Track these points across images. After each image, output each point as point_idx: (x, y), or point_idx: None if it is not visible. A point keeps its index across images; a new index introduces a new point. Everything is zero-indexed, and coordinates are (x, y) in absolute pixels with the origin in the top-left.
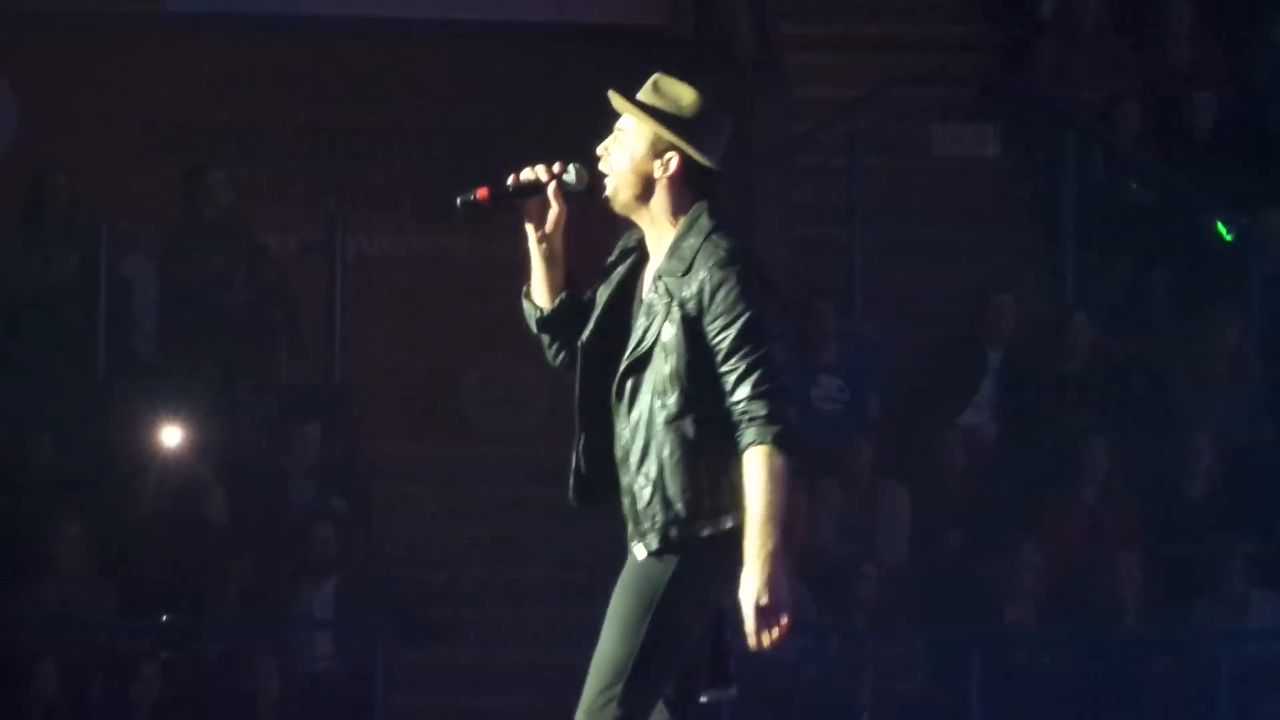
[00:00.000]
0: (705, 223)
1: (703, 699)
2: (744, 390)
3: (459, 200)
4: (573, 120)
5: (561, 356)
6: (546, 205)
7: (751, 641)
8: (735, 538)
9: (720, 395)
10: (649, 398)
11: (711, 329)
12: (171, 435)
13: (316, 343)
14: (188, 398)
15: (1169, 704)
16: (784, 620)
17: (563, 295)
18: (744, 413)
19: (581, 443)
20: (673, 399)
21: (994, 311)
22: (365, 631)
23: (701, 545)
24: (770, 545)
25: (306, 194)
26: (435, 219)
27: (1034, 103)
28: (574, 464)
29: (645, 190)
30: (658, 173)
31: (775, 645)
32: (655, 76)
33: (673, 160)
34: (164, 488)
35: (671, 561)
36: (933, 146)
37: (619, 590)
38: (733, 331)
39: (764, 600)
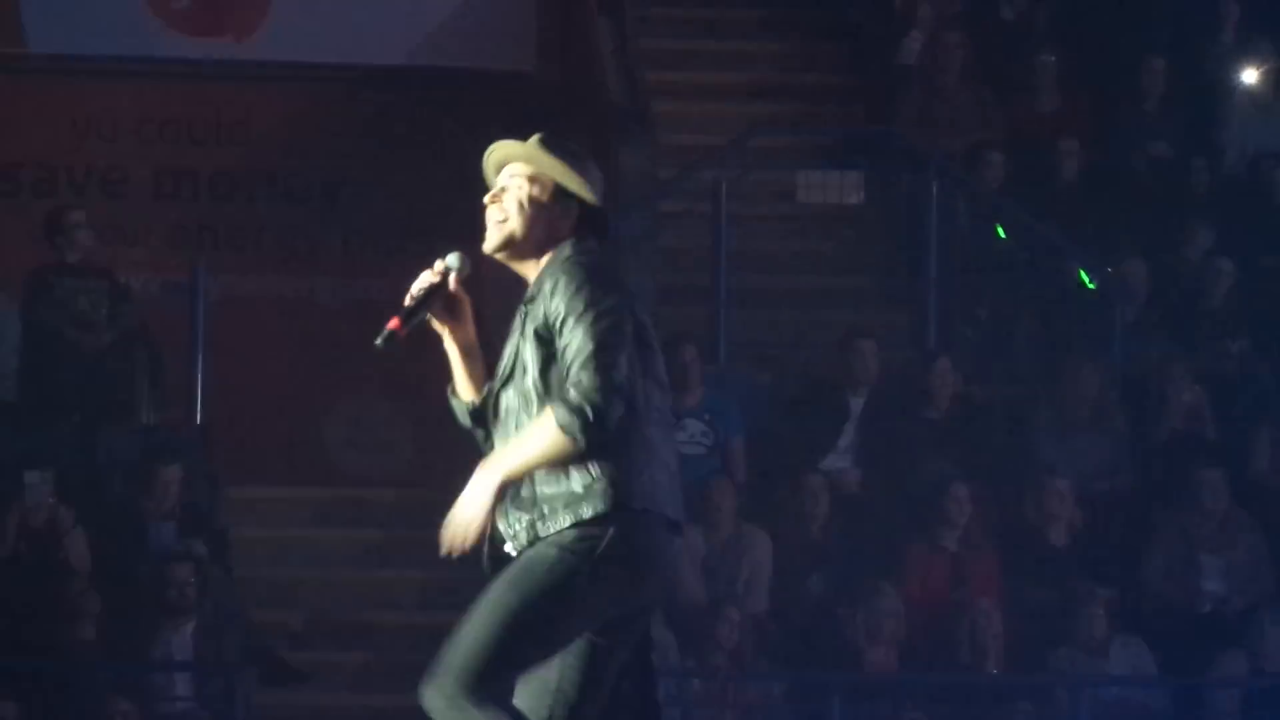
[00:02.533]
0: (567, 250)
1: None
2: (574, 372)
3: (377, 343)
4: (439, 163)
5: (491, 444)
6: (451, 301)
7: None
8: (600, 522)
9: None
10: (516, 415)
11: (556, 322)
12: (33, 477)
13: (178, 384)
14: (49, 439)
15: None
16: (469, 534)
17: (488, 385)
18: (569, 390)
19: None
20: (534, 411)
21: (857, 356)
22: (224, 673)
23: (569, 535)
24: (501, 471)
25: (168, 235)
26: (297, 260)
27: (898, 150)
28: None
29: (549, 239)
30: (560, 221)
31: (452, 551)
32: (537, 135)
33: (573, 209)
34: (24, 529)
35: (545, 552)
36: (797, 194)
37: (494, 586)
38: (574, 318)
39: (462, 509)
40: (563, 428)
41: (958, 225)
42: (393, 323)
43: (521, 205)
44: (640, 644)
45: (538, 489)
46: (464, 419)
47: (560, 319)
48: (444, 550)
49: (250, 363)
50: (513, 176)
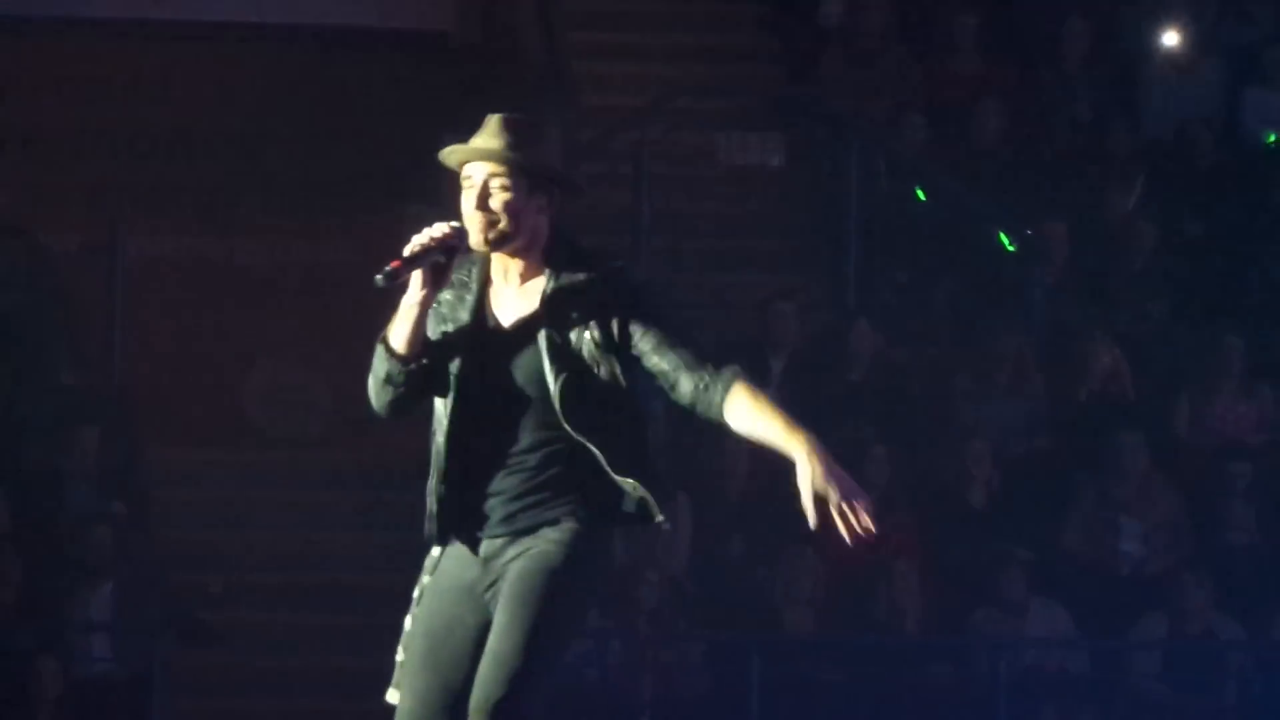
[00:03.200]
0: (581, 249)
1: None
2: (703, 356)
3: (377, 279)
4: (357, 124)
5: (396, 408)
6: (442, 268)
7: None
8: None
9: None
10: (531, 431)
11: (638, 327)
12: None
13: (96, 345)
14: None
15: (947, 711)
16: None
17: (424, 357)
18: (717, 370)
19: (444, 482)
20: (555, 427)
21: (777, 319)
22: (142, 634)
23: (575, 534)
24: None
25: (87, 196)
26: (216, 221)
27: (818, 112)
28: (437, 497)
29: (540, 230)
30: (540, 211)
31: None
32: (501, 118)
33: (555, 194)
34: None
35: (554, 557)
36: (718, 155)
37: (508, 600)
38: (666, 318)
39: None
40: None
41: (878, 187)
42: (395, 262)
43: (510, 206)
44: None
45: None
46: (393, 372)
47: (643, 313)
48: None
49: (170, 324)
50: (492, 176)
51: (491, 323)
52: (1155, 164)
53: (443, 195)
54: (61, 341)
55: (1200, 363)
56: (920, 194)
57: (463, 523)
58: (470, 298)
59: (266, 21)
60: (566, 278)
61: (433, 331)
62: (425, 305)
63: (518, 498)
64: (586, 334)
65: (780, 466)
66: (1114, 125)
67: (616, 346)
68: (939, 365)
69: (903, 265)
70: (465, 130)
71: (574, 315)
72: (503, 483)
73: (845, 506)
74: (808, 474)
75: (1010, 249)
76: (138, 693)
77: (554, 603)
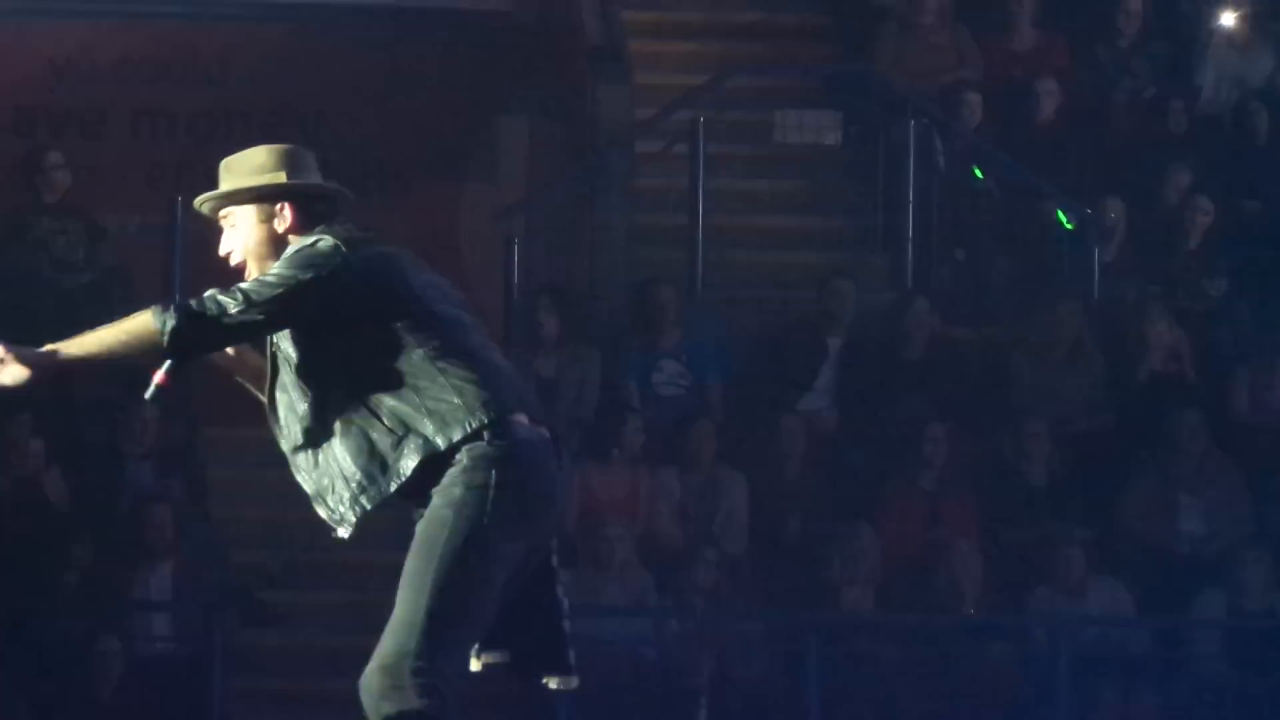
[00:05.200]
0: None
1: (549, 685)
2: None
3: (146, 395)
4: (415, 102)
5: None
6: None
7: None
8: (515, 478)
9: (335, 372)
10: (289, 405)
11: None
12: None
13: None
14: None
15: (1007, 690)
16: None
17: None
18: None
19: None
20: (307, 393)
21: (834, 297)
22: (202, 613)
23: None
24: (71, 357)
25: (146, 176)
26: None
27: (875, 90)
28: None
29: (278, 249)
30: (280, 228)
31: None
32: (223, 162)
33: (285, 210)
34: (3, 469)
35: (435, 510)
36: (774, 133)
37: (409, 556)
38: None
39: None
40: (155, 327)
41: (935, 166)
42: (160, 378)
43: (249, 246)
44: (545, 576)
45: (341, 465)
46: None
47: None
48: None
49: None
50: (223, 221)
51: None
52: (1213, 141)
53: (499, 173)
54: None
55: (1259, 340)
56: (977, 172)
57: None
58: None
59: (325, 1)
60: None
61: None
62: (244, 375)
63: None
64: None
65: (839, 448)
66: (1171, 102)
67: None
68: (997, 344)
69: (960, 243)
70: (523, 109)
71: None
72: (302, 474)
73: None
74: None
75: (1068, 227)
76: (197, 671)
77: (440, 556)
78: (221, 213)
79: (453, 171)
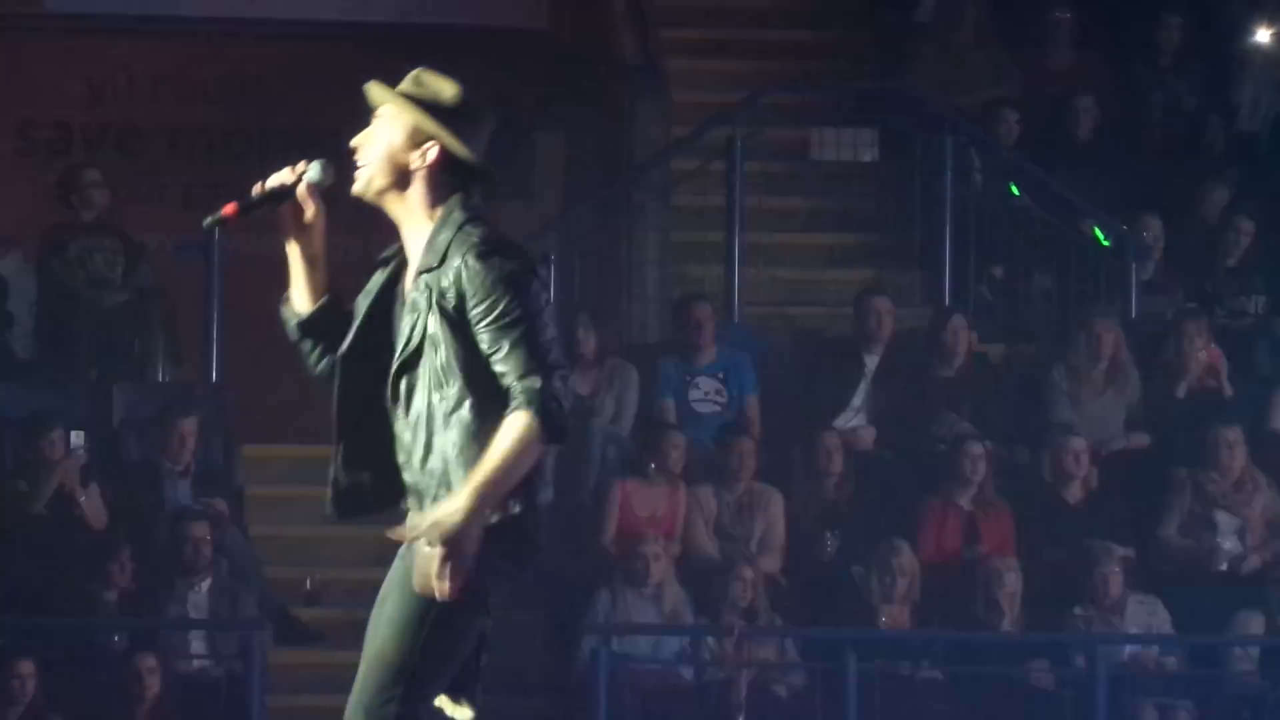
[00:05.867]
0: (458, 215)
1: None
2: (512, 371)
3: (206, 222)
4: None
5: (322, 364)
6: (299, 208)
7: (419, 581)
8: (511, 526)
9: (494, 380)
10: (425, 393)
11: (474, 316)
12: (77, 438)
13: (193, 342)
14: (65, 397)
15: (1045, 708)
16: (459, 577)
17: (324, 299)
18: (513, 391)
19: (340, 455)
20: (450, 391)
21: (872, 314)
22: (239, 631)
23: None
24: (485, 498)
25: (183, 194)
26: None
27: (912, 107)
28: (331, 476)
29: (401, 181)
30: (415, 163)
31: (444, 594)
32: (417, 70)
33: (431, 150)
34: (42, 487)
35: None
36: (811, 151)
37: (396, 586)
38: (493, 315)
39: (454, 543)
40: (527, 431)
41: (973, 182)
42: (228, 208)
43: (379, 151)
44: None
45: (451, 473)
46: (293, 331)
47: (480, 303)
48: (430, 589)
49: (265, 321)
50: (378, 119)
51: (385, 303)
52: (1251, 158)
53: (536, 190)
54: (159, 339)
55: None
56: (1014, 189)
57: (365, 500)
58: (380, 276)
59: (361, 19)
60: (429, 255)
61: (359, 306)
62: (299, 254)
63: (416, 469)
64: (432, 314)
65: (876, 466)
66: (1209, 119)
67: (456, 329)
68: (1035, 361)
69: (998, 260)
70: (560, 126)
71: (429, 292)
72: (406, 471)
73: (445, 570)
74: (446, 513)
75: (1106, 244)
76: (235, 690)
77: (406, 613)
78: (380, 108)
79: (489, 188)
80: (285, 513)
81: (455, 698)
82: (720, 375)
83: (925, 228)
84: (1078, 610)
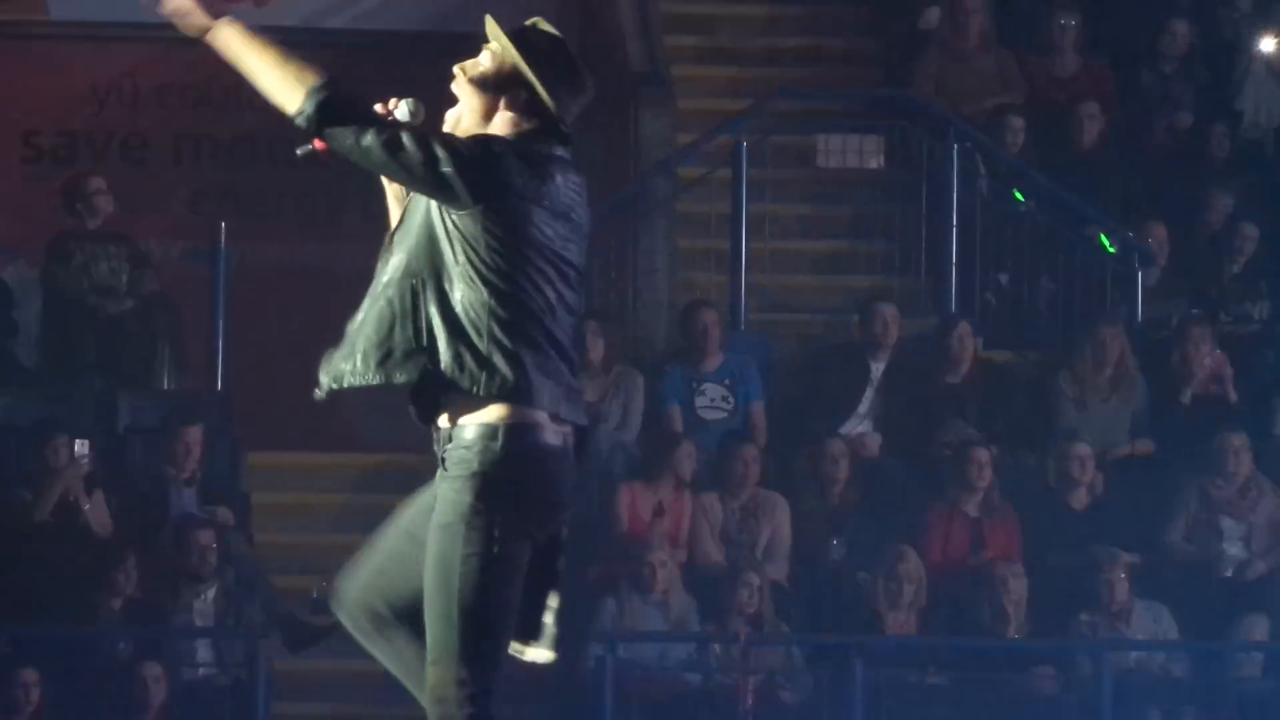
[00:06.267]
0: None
1: (521, 655)
2: None
3: (298, 151)
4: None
5: None
6: None
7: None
8: (505, 481)
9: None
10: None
11: None
12: (82, 447)
13: (198, 350)
14: (71, 405)
15: (1051, 714)
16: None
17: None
18: None
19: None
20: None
21: (878, 321)
22: (246, 638)
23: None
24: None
25: (189, 202)
26: (319, 227)
27: (918, 114)
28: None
29: (487, 116)
30: (502, 104)
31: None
32: (536, 19)
33: (520, 96)
34: (47, 494)
35: (450, 521)
36: (816, 158)
37: (429, 546)
38: None
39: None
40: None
41: (978, 189)
42: (319, 143)
43: (473, 84)
44: (547, 549)
45: (368, 331)
46: None
47: None
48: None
49: (271, 328)
50: (485, 50)
51: None
52: (1255, 165)
53: None
54: (165, 347)
55: None
56: (1019, 196)
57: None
58: None
59: (365, 27)
60: None
61: None
62: (391, 186)
63: (441, 385)
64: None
65: (882, 472)
66: (1214, 127)
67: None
68: (1040, 367)
69: (1003, 267)
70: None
71: None
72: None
73: None
74: None
75: (1111, 250)
76: (241, 697)
77: (457, 583)
78: (490, 43)
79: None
80: (291, 520)
81: (526, 641)
82: (726, 382)
83: (931, 235)
84: (1083, 616)
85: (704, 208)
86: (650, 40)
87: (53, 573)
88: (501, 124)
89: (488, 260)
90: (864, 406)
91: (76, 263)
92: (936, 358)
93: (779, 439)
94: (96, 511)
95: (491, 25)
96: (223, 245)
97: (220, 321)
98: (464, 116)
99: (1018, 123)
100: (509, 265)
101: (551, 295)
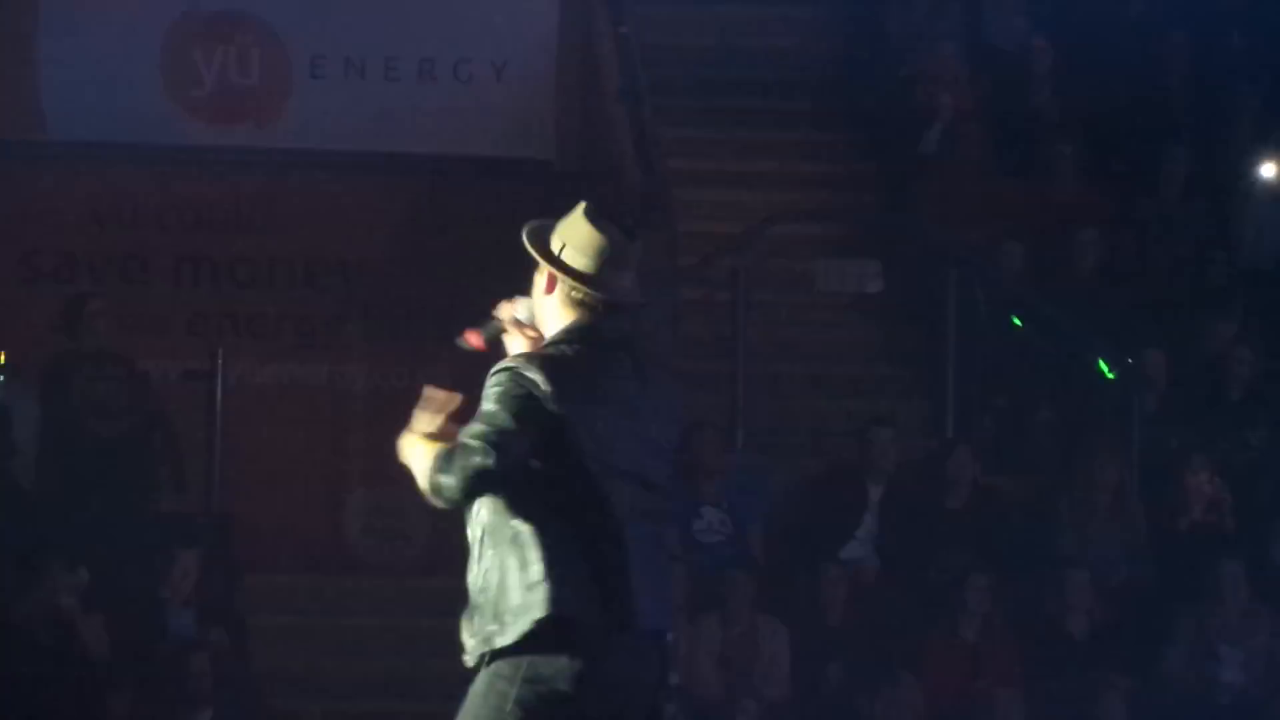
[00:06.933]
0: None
1: None
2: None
3: (457, 341)
4: (458, 249)
5: None
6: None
7: None
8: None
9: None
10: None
11: None
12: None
13: (196, 472)
14: (67, 527)
15: None
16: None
17: None
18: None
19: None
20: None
21: (876, 445)
22: None
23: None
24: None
25: (188, 323)
26: (317, 347)
27: (916, 239)
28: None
29: (543, 314)
30: (539, 295)
31: None
32: (581, 205)
33: (546, 279)
34: (42, 616)
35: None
36: (816, 281)
37: None
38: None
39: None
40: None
41: (977, 314)
42: (474, 340)
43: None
44: None
45: (498, 595)
46: None
47: None
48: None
49: (269, 450)
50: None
51: None
52: (1254, 292)
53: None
54: (162, 468)
55: None
56: (1016, 321)
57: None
58: None
59: (367, 149)
60: None
61: None
62: None
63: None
64: None
65: (880, 597)
66: (1212, 253)
67: None
68: (1039, 493)
69: (1002, 392)
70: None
71: None
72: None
73: None
74: None
75: (1110, 376)
76: None
77: None
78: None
79: (495, 319)
80: (289, 643)
81: None
82: (724, 505)
83: (929, 358)
84: None
85: (703, 331)
86: (649, 163)
87: (47, 695)
88: (546, 314)
89: None
90: (863, 531)
91: (74, 385)
92: (935, 483)
93: (777, 563)
94: (92, 633)
95: (525, 242)
96: (221, 366)
97: (219, 442)
98: (535, 315)
99: (1016, 248)
100: None
101: None
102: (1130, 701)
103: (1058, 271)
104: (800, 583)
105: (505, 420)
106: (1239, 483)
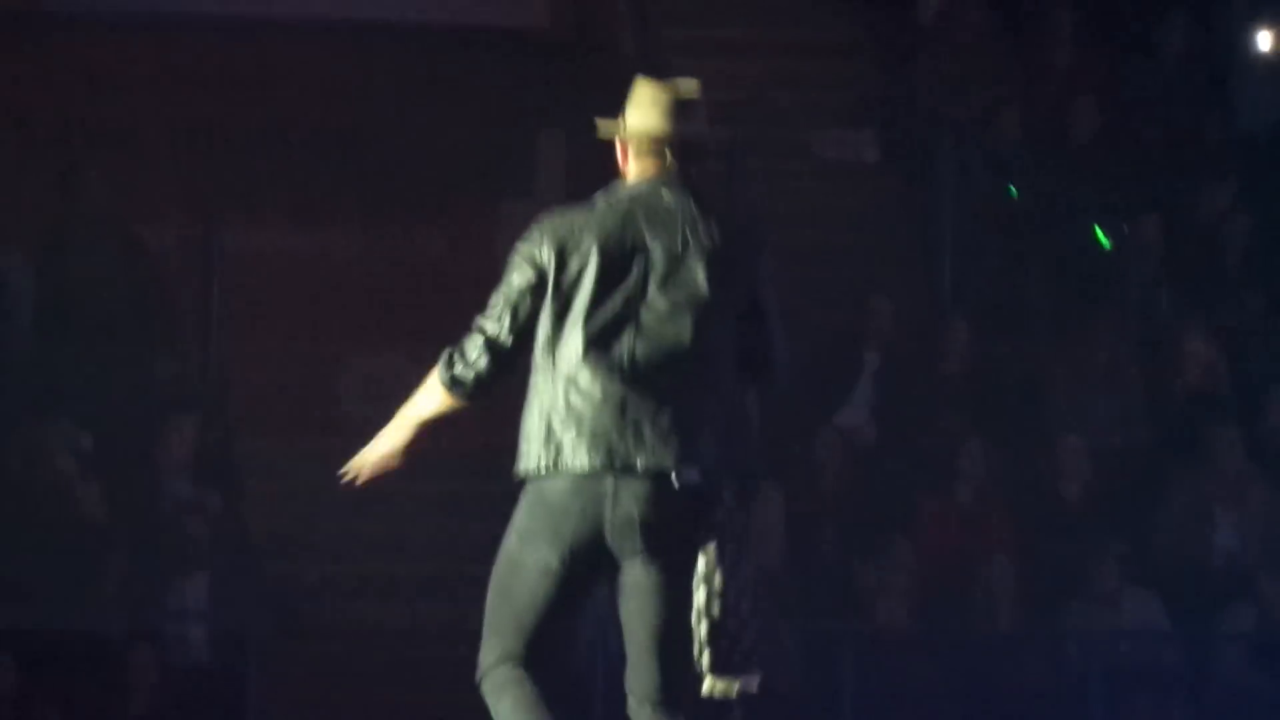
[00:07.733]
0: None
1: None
2: None
3: None
4: (451, 119)
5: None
6: None
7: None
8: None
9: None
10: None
11: None
12: (86, 441)
13: (191, 338)
14: (63, 392)
15: (1042, 703)
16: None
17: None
18: None
19: None
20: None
21: (872, 313)
22: (238, 625)
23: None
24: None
25: (183, 191)
26: (313, 214)
27: (912, 108)
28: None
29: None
30: (623, 163)
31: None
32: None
33: (619, 148)
34: (38, 481)
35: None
36: (812, 151)
37: None
38: None
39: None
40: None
41: (973, 183)
42: None
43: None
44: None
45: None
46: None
47: None
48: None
49: (264, 317)
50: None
51: None
52: (1250, 159)
53: (536, 188)
54: (157, 335)
55: None
56: (1013, 190)
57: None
58: None
59: (360, 18)
60: None
61: None
62: None
63: None
64: None
65: (875, 462)
66: (1209, 120)
67: None
68: (1034, 360)
69: (997, 260)
70: (560, 124)
71: None
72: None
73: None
74: None
75: (1105, 243)
76: (232, 682)
77: None
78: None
79: (490, 187)
80: (285, 507)
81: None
82: None
83: (925, 227)
84: (1074, 606)
85: None
86: (645, 32)
87: (44, 558)
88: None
89: None
90: (858, 397)
91: (71, 251)
92: (931, 350)
93: (773, 428)
94: (89, 497)
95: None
96: (216, 233)
97: (214, 309)
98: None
99: (1013, 116)
100: None
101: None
102: (1123, 565)
103: (1054, 138)
104: (795, 448)
105: (505, 287)
106: (1234, 348)
